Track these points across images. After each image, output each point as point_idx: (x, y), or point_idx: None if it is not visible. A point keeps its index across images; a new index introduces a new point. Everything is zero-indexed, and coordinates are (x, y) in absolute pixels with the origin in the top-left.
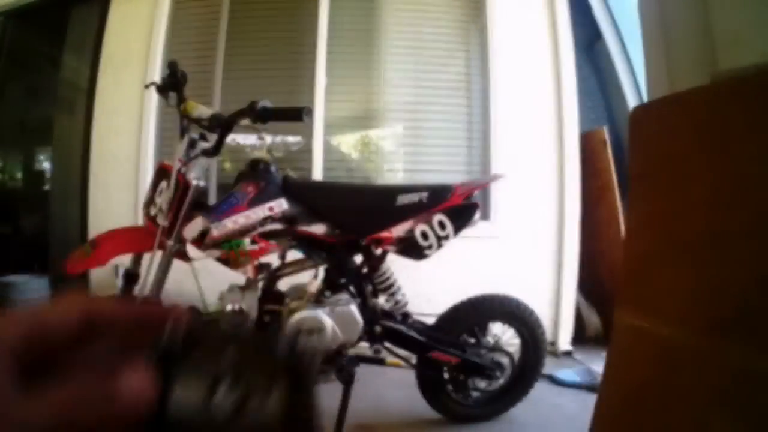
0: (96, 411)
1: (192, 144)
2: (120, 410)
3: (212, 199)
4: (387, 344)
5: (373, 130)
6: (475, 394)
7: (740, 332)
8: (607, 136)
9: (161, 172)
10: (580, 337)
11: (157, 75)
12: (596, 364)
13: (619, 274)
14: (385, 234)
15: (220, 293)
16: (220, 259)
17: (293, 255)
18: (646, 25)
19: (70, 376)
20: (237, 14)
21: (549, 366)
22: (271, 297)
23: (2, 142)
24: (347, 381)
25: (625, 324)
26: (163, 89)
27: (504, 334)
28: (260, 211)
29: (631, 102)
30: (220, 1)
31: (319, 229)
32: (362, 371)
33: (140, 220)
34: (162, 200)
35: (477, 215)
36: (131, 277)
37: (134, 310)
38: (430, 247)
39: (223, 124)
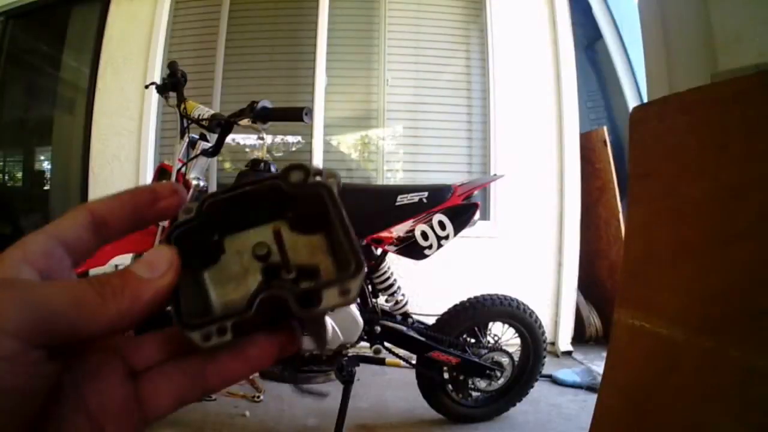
0: (114, 290)
1: (192, 144)
2: (139, 285)
3: None
4: (387, 344)
5: (373, 130)
6: (475, 394)
7: (740, 332)
8: (607, 136)
9: (161, 172)
10: (580, 337)
11: (157, 75)
12: (596, 364)
13: (619, 274)
14: (385, 234)
15: None
16: None
17: None
18: (646, 25)
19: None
20: (237, 14)
21: (549, 366)
22: None
23: (2, 142)
24: (347, 381)
25: (625, 324)
26: (163, 89)
27: (504, 334)
28: None
29: (631, 102)
30: (220, 1)
31: None
32: (362, 371)
33: None
34: None
35: (477, 215)
36: None
37: (133, 202)
38: (430, 247)
39: (223, 124)
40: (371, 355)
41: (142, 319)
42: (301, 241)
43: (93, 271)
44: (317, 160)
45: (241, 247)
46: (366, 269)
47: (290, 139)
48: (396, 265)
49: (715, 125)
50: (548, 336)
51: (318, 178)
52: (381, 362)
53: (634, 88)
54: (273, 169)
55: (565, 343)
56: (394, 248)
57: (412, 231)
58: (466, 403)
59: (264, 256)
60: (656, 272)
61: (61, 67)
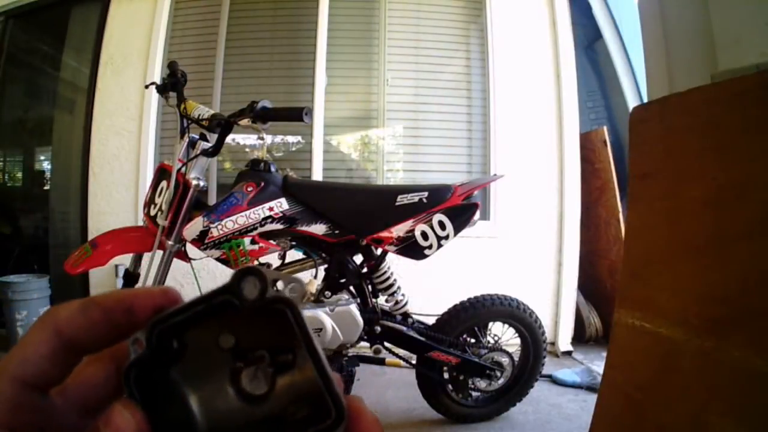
0: None
1: (192, 144)
2: None
3: (212, 199)
4: (387, 344)
5: (373, 130)
6: (475, 394)
7: (740, 332)
8: (607, 136)
9: (161, 172)
10: (580, 337)
11: (157, 75)
12: (596, 364)
13: (619, 274)
14: (385, 234)
15: None
16: (220, 259)
17: (293, 255)
18: (646, 25)
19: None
20: (237, 14)
21: (549, 366)
22: None
23: (2, 142)
24: (347, 381)
25: (625, 324)
26: (163, 89)
27: (504, 334)
28: (260, 211)
29: (631, 102)
30: (220, 1)
31: (319, 229)
32: (362, 371)
33: (140, 220)
34: (162, 200)
35: (477, 215)
36: (131, 277)
37: (105, 318)
38: (430, 247)
39: (223, 124)
40: (371, 355)
41: None
42: (259, 324)
43: (93, 272)
44: (317, 161)
45: (202, 344)
46: (346, 417)
47: (290, 139)
48: (396, 265)
49: (715, 125)
50: (548, 336)
51: (277, 287)
52: (381, 362)
53: (634, 88)
54: (273, 169)
55: (565, 343)
56: (394, 248)
57: (412, 231)
58: (466, 403)
59: (231, 348)
60: (656, 272)
61: (61, 67)
